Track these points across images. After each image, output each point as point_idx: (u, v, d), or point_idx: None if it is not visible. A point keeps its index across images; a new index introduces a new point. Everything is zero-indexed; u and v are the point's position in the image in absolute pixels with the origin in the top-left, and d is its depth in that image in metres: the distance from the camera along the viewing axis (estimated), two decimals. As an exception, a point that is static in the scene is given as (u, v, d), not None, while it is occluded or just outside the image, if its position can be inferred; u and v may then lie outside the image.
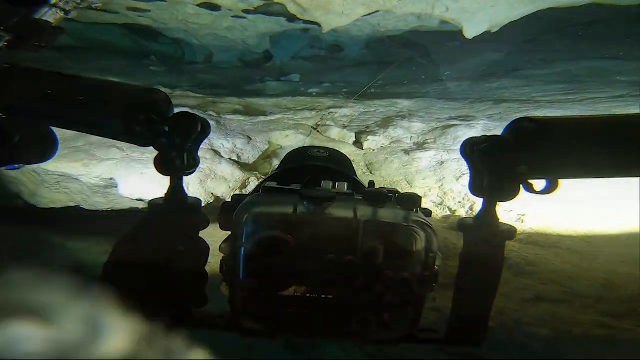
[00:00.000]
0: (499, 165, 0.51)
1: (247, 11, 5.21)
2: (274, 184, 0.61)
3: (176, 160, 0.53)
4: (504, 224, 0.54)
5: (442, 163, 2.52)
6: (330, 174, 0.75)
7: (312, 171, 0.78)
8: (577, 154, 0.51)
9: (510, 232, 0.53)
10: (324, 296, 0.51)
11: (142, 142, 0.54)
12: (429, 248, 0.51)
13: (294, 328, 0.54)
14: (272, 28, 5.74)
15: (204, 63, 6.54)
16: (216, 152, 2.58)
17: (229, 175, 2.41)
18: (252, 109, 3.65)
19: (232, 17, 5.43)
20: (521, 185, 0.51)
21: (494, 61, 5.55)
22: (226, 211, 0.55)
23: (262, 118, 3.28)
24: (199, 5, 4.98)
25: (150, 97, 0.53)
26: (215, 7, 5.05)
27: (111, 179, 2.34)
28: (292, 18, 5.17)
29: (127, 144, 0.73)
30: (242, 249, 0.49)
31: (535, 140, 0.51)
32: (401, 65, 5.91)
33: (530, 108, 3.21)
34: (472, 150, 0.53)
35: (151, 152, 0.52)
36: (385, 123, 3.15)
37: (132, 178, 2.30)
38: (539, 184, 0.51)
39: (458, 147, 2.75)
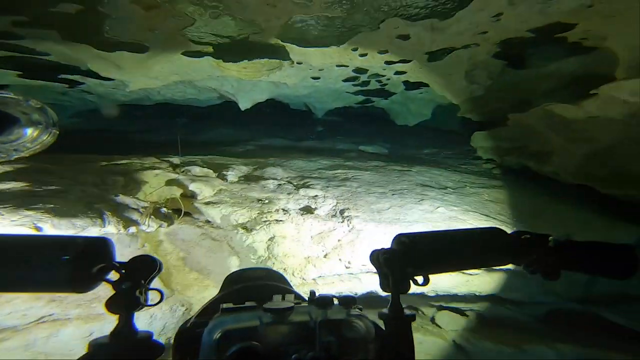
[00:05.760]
0: (396, 269, 0.69)
1: None
2: (230, 305, 0.66)
3: (131, 299, 0.56)
4: (406, 310, 0.70)
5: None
6: (275, 290, 0.82)
7: (259, 290, 0.86)
8: (438, 256, 0.73)
9: (413, 315, 0.70)
10: None
11: (88, 289, 0.54)
12: (369, 335, 0.62)
13: None
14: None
15: None
16: None
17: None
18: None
19: None
20: (411, 281, 0.69)
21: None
22: (186, 338, 0.63)
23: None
24: None
25: (97, 244, 0.55)
26: None
27: None
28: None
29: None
30: None
31: (412, 249, 0.71)
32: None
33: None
34: (378, 259, 0.70)
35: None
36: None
37: None
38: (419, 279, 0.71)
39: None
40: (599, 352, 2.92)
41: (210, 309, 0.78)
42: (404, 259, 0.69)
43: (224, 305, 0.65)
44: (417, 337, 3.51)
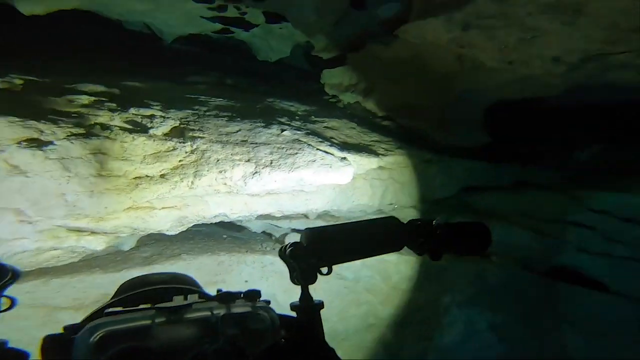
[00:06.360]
0: (302, 261, 0.71)
1: None
2: (118, 309, 0.62)
3: None
4: (315, 300, 0.75)
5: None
6: (178, 292, 0.78)
7: (159, 294, 0.80)
8: (340, 248, 0.77)
9: (322, 302, 0.75)
10: None
11: None
12: (275, 325, 0.67)
13: None
14: None
15: None
16: None
17: None
18: None
19: None
20: (317, 272, 0.73)
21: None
22: (55, 345, 0.56)
23: None
24: None
25: None
26: None
27: None
28: None
29: None
30: None
31: (316, 242, 0.73)
32: None
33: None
34: (285, 252, 0.73)
35: None
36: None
37: None
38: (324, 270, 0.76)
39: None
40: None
41: (93, 317, 0.69)
42: (309, 251, 0.72)
43: (109, 310, 0.61)
44: (269, 258, 3.87)
